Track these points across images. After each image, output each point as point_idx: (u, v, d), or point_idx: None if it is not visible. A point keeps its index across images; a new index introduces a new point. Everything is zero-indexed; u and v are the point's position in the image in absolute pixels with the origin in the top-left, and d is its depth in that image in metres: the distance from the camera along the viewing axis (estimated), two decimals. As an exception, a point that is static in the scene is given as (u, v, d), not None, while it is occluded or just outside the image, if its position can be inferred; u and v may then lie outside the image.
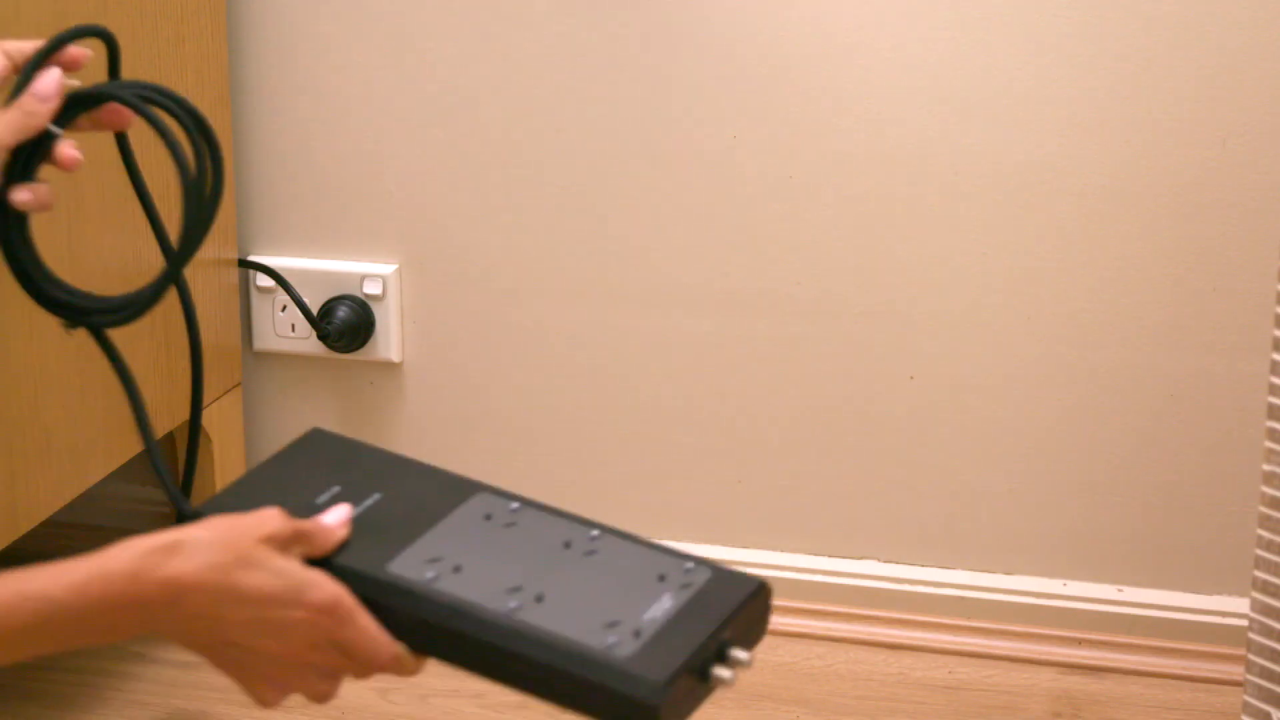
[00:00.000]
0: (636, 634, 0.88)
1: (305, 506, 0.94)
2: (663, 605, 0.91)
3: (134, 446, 1.24)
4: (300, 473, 0.99)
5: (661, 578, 0.93)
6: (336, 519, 0.92)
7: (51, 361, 1.13)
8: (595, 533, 0.97)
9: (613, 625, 0.89)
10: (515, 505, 1.00)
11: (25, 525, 1.14)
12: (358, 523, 0.94)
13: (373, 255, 1.39)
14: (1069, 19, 1.21)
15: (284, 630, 0.87)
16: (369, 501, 0.97)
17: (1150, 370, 1.28)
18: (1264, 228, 1.22)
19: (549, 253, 1.36)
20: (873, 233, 1.29)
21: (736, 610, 0.92)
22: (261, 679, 0.90)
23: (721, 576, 0.93)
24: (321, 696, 0.90)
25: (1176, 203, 1.24)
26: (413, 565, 0.92)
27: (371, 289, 1.38)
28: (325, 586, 0.87)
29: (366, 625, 0.88)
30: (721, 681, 0.91)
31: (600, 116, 1.31)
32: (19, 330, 1.08)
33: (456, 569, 0.92)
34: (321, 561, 0.90)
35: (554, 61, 1.31)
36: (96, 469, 1.20)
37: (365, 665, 0.89)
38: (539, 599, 0.90)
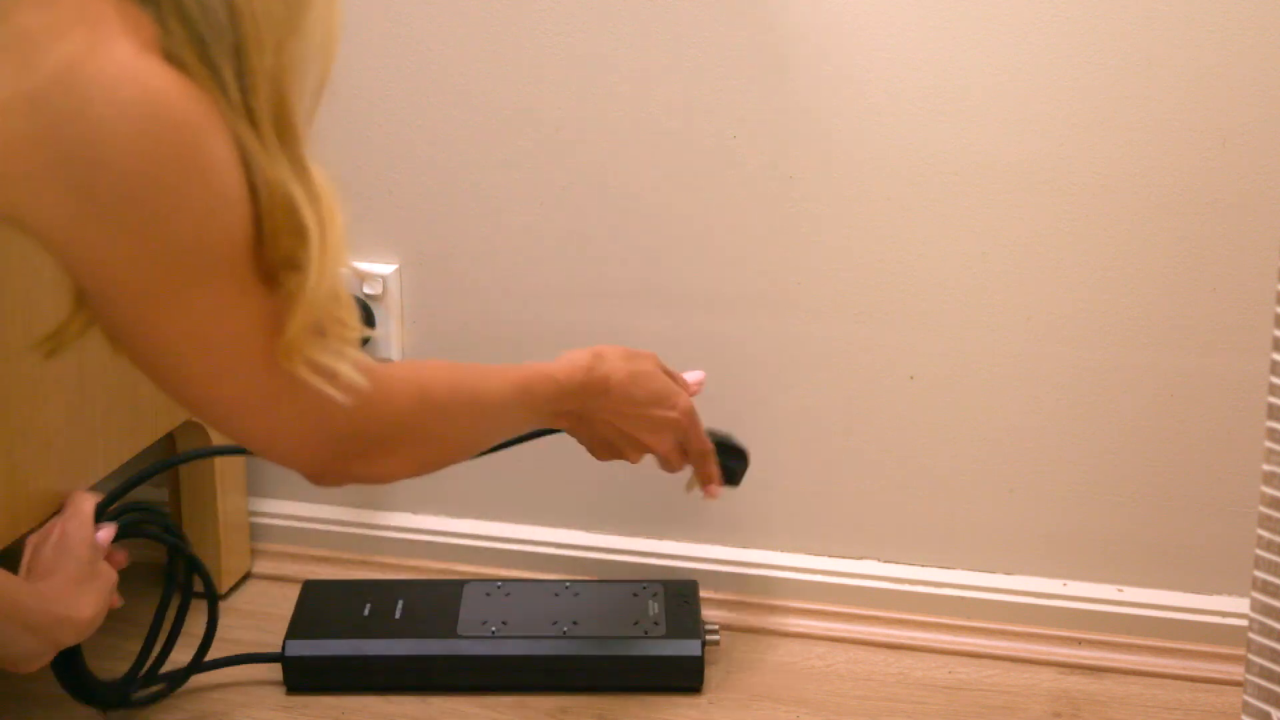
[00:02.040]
0: (656, 624, 1.27)
1: (359, 622, 1.28)
2: (654, 608, 1.30)
3: (134, 447, 1.24)
4: (335, 603, 1.31)
5: (635, 595, 1.31)
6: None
7: (52, 361, 1.13)
8: (568, 583, 1.34)
9: (636, 624, 1.27)
10: (499, 583, 1.34)
11: (25, 525, 1.14)
12: (408, 617, 1.28)
13: (373, 255, 1.39)
14: (1069, 18, 1.21)
15: (658, 427, 1.19)
16: (400, 605, 1.30)
17: (1149, 370, 1.28)
18: (1264, 228, 1.22)
19: (549, 253, 1.36)
20: (872, 233, 1.29)
21: (697, 601, 1.31)
22: (628, 450, 1.21)
23: (670, 584, 1.33)
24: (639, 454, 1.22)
25: (1177, 202, 1.24)
26: (473, 628, 1.27)
27: (371, 289, 1.38)
28: (686, 397, 1.21)
29: (704, 433, 1.23)
30: (713, 644, 1.28)
31: (600, 116, 1.31)
32: (19, 330, 1.07)
33: (504, 623, 1.27)
34: (412, 648, 1.27)
35: (554, 61, 1.31)
36: (96, 469, 1.20)
37: (696, 453, 1.23)
38: (575, 623, 1.27)
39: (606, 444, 1.20)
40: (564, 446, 1.40)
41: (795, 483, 1.37)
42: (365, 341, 1.38)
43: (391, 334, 1.40)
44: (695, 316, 1.35)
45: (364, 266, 1.39)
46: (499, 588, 1.33)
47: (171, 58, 0.78)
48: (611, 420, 1.18)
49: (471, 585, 1.34)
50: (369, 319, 1.39)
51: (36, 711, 1.24)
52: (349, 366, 0.89)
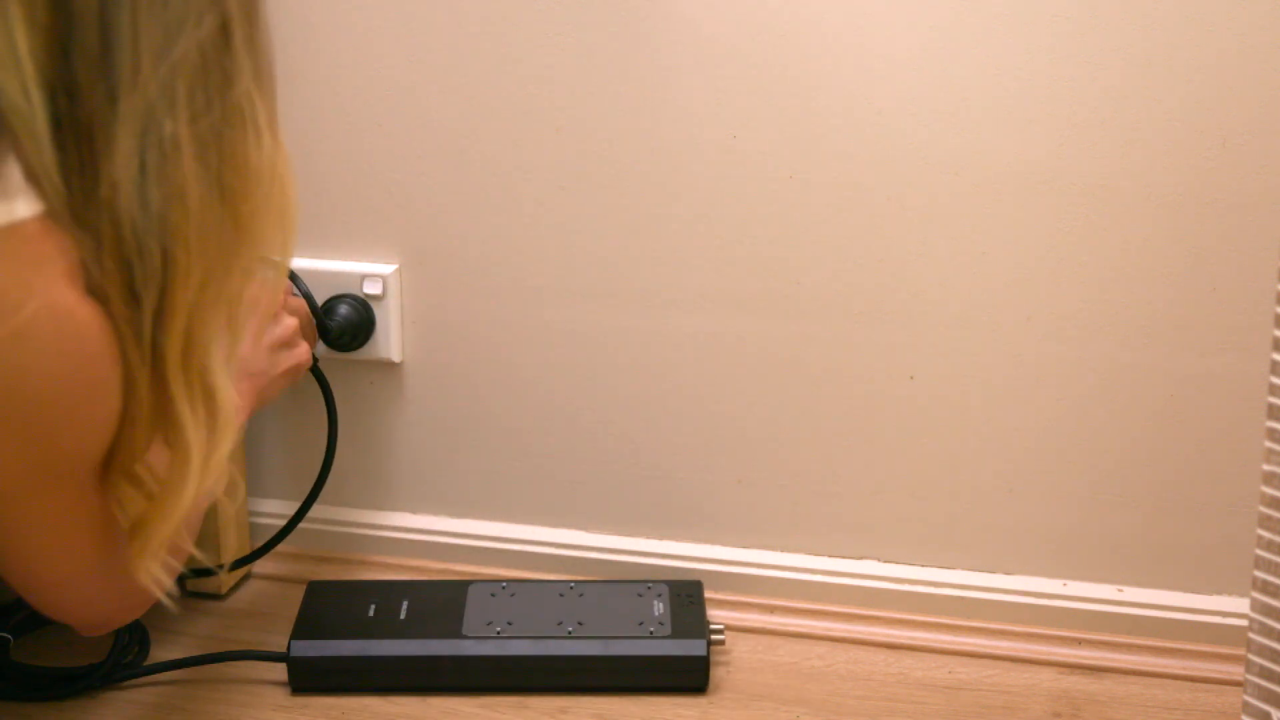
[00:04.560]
0: (661, 624, 1.27)
1: (364, 622, 1.28)
2: (658, 608, 1.30)
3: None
4: (340, 604, 1.31)
5: (640, 595, 1.32)
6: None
7: None
8: (573, 584, 1.34)
9: (642, 624, 1.27)
10: (504, 584, 1.34)
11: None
12: (414, 618, 1.28)
13: (373, 255, 1.39)
14: (1068, 18, 1.21)
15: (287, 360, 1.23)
16: (405, 606, 1.30)
17: (1150, 370, 1.28)
18: (1264, 228, 1.22)
19: (549, 253, 1.36)
20: (872, 232, 1.30)
21: (702, 601, 1.31)
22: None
23: (675, 584, 1.33)
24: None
25: (1176, 203, 1.24)
26: (478, 628, 1.27)
27: (371, 289, 1.38)
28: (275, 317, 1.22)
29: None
30: (718, 644, 1.28)
31: (600, 116, 1.31)
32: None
33: (509, 624, 1.27)
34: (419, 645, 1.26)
35: (554, 61, 1.31)
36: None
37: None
38: (581, 624, 1.27)
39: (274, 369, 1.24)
40: (565, 447, 1.41)
41: (795, 483, 1.37)
42: (364, 343, 1.38)
43: (391, 334, 1.40)
44: (695, 316, 1.35)
45: (364, 266, 1.39)
46: (504, 588, 1.33)
47: (95, 287, 0.84)
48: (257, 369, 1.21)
49: (476, 586, 1.34)
50: (369, 319, 1.39)
51: (37, 711, 1.24)
52: (169, 578, 0.96)
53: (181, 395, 0.88)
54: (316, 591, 1.33)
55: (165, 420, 0.89)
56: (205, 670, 1.28)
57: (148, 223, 0.83)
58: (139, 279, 0.84)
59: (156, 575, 0.94)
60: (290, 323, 1.24)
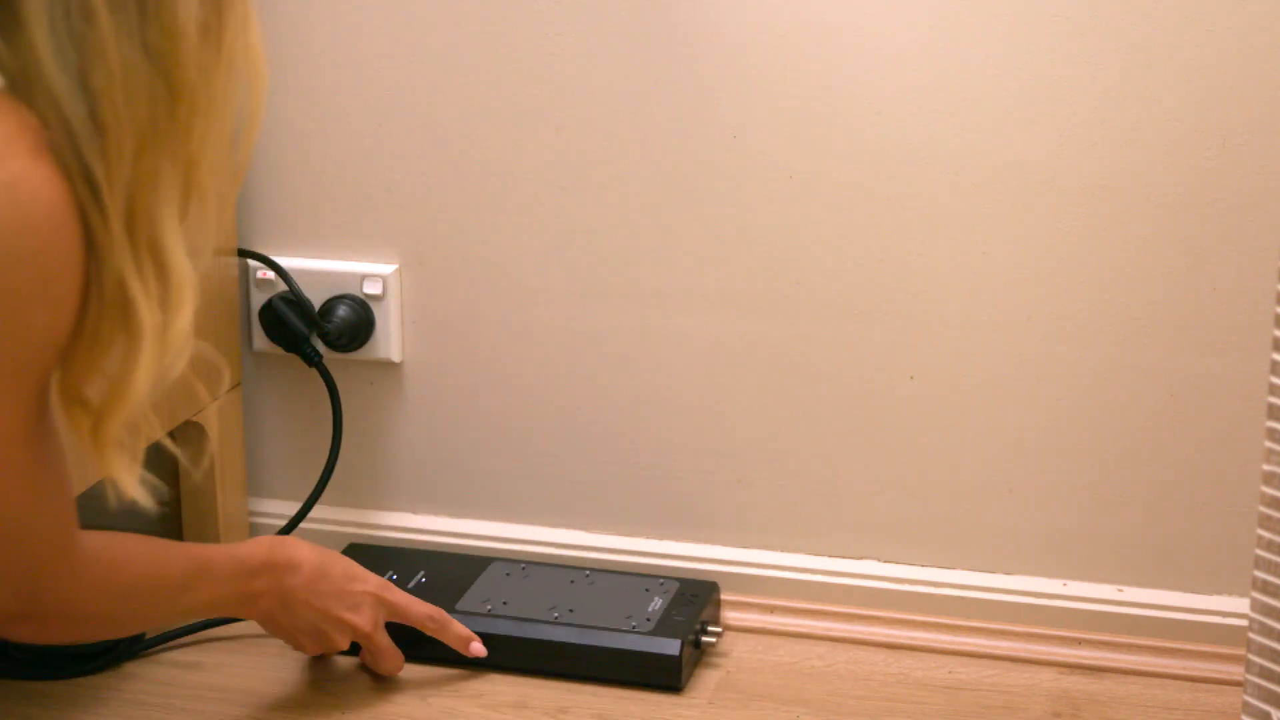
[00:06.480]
0: (648, 620, 1.28)
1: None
2: (656, 604, 1.31)
3: (134, 447, 1.24)
4: (364, 565, 1.28)
5: (647, 590, 1.33)
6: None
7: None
8: (588, 572, 1.36)
9: (629, 618, 1.29)
10: (524, 565, 1.37)
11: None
12: (420, 587, 1.32)
13: (373, 255, 1.39)
14: (1069, 18, 1.21)
15: (356, 601, 1.22)
16: (419, 577, 1.34)
17: (1150, 370, 1.28)
18: (1264, 228, 1.22)
19: (549, 253, 1.36)
20: (873, 232, 1.29)
21: (705, 603, 1.31)
22: (333, 632, 1.21)
23: (686, 583, 1.34)
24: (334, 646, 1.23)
25: (1176, 203, 1.24)
26: (473, 604, 1.30)
27: (371, 289, 1.38)
28: (374, 576, 1.24)
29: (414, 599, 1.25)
30: (709, 646, 1.30)
31: (600, 116, 1.31)
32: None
33: (504, 603, 1.31)
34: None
35: (554, 61, 1.31)
36: (96, 469, 1.20)
37: (421, 618, 1.25)
38: (571, 611, 1.29)
39: (310, 631, 1.21)
40: (565, 447, 1.41)
41: (795, 483, 1.37)
42: (363, 343, 1.38)
43: (391, 334, 1.40)
44: (695, 316, 1.35)
45: (364, 266, 1.39)
46: (522, 569, 1.36)
47: (57, 157, 0.80)
48: (310, 600, 1.19)
49: (496, 564, 1.36)
50: (368, 319, 1.39)
51: (37, 711, 1.24)
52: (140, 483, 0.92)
53: (130, 268, 0.84)
54: (353, 553, 1.35)
55: (116, 301, 0.85)
56: (206, 670, 1.28)
57: (71, 87, 0.79)
58: (86, 150, 0.81)
59: (120, 469, 0.90)
60: (374, 632, 1.23)
